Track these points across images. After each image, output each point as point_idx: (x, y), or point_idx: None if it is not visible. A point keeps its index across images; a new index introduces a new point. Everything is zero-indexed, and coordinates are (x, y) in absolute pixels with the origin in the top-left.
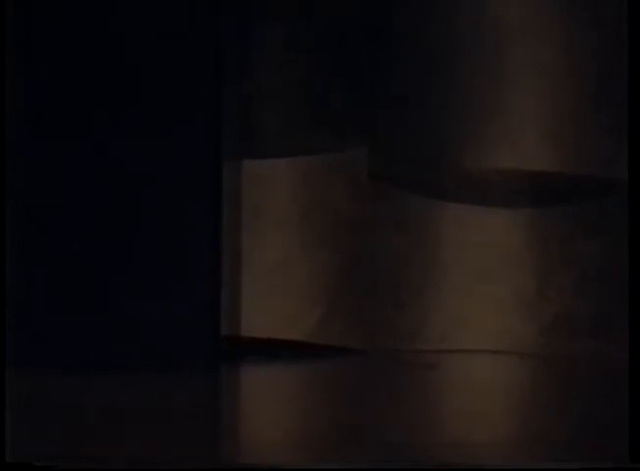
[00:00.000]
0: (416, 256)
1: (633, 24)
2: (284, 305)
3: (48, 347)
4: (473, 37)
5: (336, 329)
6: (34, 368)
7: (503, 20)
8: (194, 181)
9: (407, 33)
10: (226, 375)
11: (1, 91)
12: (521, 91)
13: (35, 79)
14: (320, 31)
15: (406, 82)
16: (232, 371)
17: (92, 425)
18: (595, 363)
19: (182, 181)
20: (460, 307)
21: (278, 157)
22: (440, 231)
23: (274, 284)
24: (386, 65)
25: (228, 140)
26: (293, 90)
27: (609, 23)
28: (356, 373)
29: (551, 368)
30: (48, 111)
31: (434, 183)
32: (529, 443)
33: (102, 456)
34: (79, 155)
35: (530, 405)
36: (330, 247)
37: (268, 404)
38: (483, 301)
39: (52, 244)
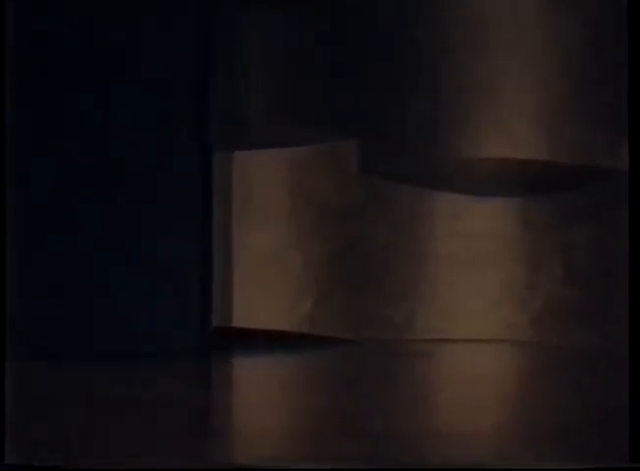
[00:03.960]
0: (407, 246)
1: (631, 14)
2: (274, 296)
3: (44, 340)
4: (461, 27)
5: (326, 319)
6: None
7: (493, 9)
8: (185, 172)
9: (395, 24)
10: (217, 366)
11: (1, 91)
12: (512, 80)
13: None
14: (309, 23)
15: (396, 74)
16: (223, 362)
17: (86, 416)
18: (584, 352)
19: (172, 173)
20: (451, 297)
21: (268, 148)
22: (430, 221)
23: (265, 275)
24: (375, 55)
25: (218, 132)
26: (284, 82)
27: (600, 11)
28: (347, 363)
29: (542, 357)
30: (39, 108)
31: (423, 173)
32: (521, 432)
33: (95, 446)
34: (71, 152)
35: (522, 394)
36: (320, 239)
37: (259, 395)
38: (474, 291)
39: (47, 239)
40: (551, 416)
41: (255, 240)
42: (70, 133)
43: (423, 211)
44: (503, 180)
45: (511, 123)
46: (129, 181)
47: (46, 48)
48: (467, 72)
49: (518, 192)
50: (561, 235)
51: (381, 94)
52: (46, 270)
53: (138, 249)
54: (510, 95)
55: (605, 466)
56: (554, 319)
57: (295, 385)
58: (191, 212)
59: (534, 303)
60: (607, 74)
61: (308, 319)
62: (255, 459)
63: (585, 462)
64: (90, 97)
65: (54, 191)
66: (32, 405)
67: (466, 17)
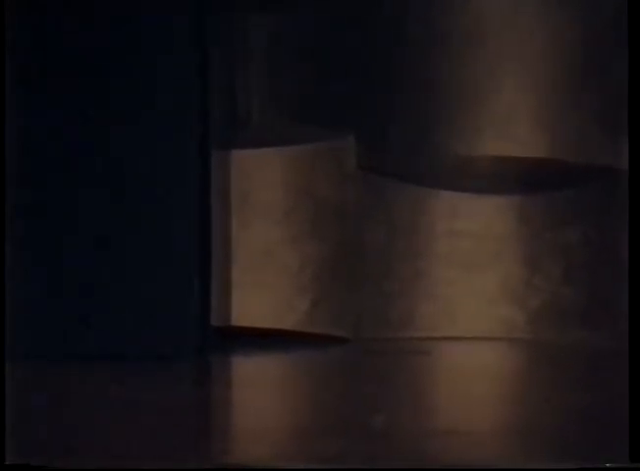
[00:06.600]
0: (404, 245)
1: (631, 13)
2: (273, 295)
3: (40, 340)
4: (460, 25)
5: (324, 318)
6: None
7: (492, 6)
8: (183, 171)
9: (393, 22)
10: (216, 365)
11: (1, 89)
12: (510, 77)
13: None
14: (307, 21)
15: (394, 71)
16: (222, 361)
17: (84, 415)
18: (583, 350)
19: (170, 171)
20: (449, 295)
21: (266, 147)
22: (428, 219)
23: (263, 273)
24: (373, 53)
25: (216, 130)
26: (282, 80)
27: (599, 9)
28: (345, 361)
29: (540, 355)
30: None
31: (422, 171)
32: (520, 430)
33: (94, 448)
34: (69, 150)
35: (520, 393)
36: (318, 237)
37: (258, 394)
38: (472, 289)
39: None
40: (549, 415)
41: (253, 239)
42: (67, 132)
43: (421, 209)
44: (501, 178)
45: (510, 120)
46: (126, 179)
47: (45, 49)
48: (465, 69)
49: (516, 190)
50: (560, 234)
51: (379, 92)
52: (45, 270)
53: (136, 248)
54: (509, 93)
55: (605, 466)
56: (552, 317)
57: (294, 383)
58: (190, 211)
59: (532, 301)
60: (605, 72)
61: (306, 317)
62: (255, 459)
63: (585, 462)
64: (89, 97)
65: (52, 191)
66: (32, 405)
67: (465, 14)
